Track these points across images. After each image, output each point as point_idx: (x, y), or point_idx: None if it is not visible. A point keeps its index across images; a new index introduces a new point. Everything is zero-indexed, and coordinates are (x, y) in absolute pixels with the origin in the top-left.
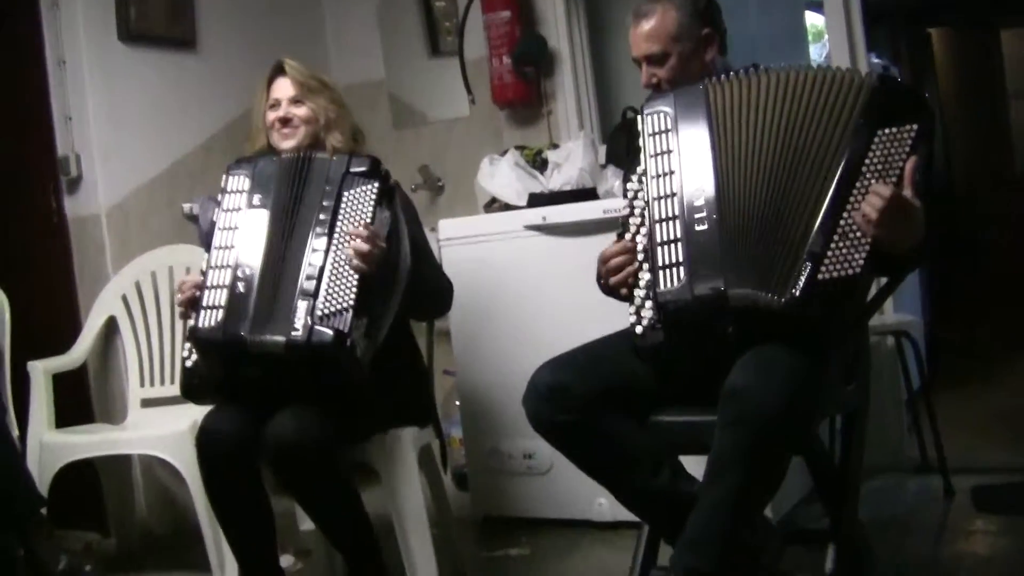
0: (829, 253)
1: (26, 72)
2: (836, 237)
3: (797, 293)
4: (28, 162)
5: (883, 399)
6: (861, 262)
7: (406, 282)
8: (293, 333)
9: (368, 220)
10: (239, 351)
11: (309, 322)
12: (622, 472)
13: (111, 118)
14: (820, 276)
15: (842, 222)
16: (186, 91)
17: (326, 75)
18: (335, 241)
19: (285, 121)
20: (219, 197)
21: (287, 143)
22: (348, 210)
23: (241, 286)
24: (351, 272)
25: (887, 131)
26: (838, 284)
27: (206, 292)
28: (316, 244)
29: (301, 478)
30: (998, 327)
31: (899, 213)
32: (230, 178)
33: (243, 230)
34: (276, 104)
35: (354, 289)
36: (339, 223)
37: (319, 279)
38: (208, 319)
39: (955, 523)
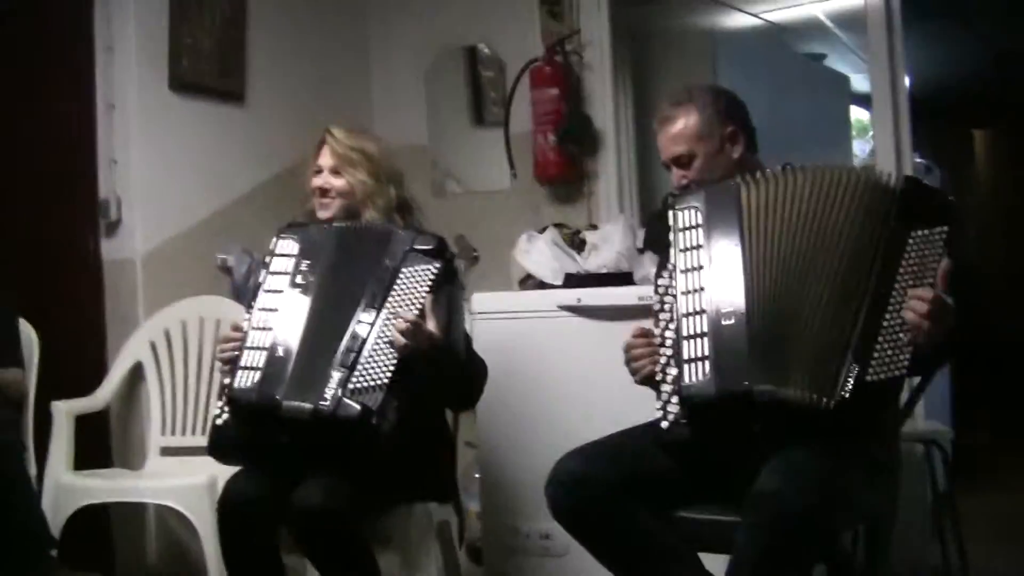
0: (875, 355)
1: (75, 113)
2: (880, 339)
3: (847, 396)
4: (69, 202)
5: (908, 506)
6: (906, 362)
7: (450, 372)
8: (321, 403)
9: (422, 300)
10: (272, 414)
11: (340, 394)
12: (640, 565)
13: (155, 164)
14: (869, 378)
15: (885, 323)
16: (230, 144)
17: (373, 141)
18: (383, 316)
19: (324, 191)
20: (266, 259)
21: (323, 213)
22: (403, 287)
23: (280, 350)
24: (392, 350)
25: (920, 233)
26: (886, 385)
27: (245, 352)
28: (363, 316)
29: (325, 547)
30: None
31: (939, 315)
32: (280, 242)
33: (288, 295)
34: (319, 171)
35: (391, 367)
36: (391, 299)
37: (359, 352)
38: (245, 380)
39: None
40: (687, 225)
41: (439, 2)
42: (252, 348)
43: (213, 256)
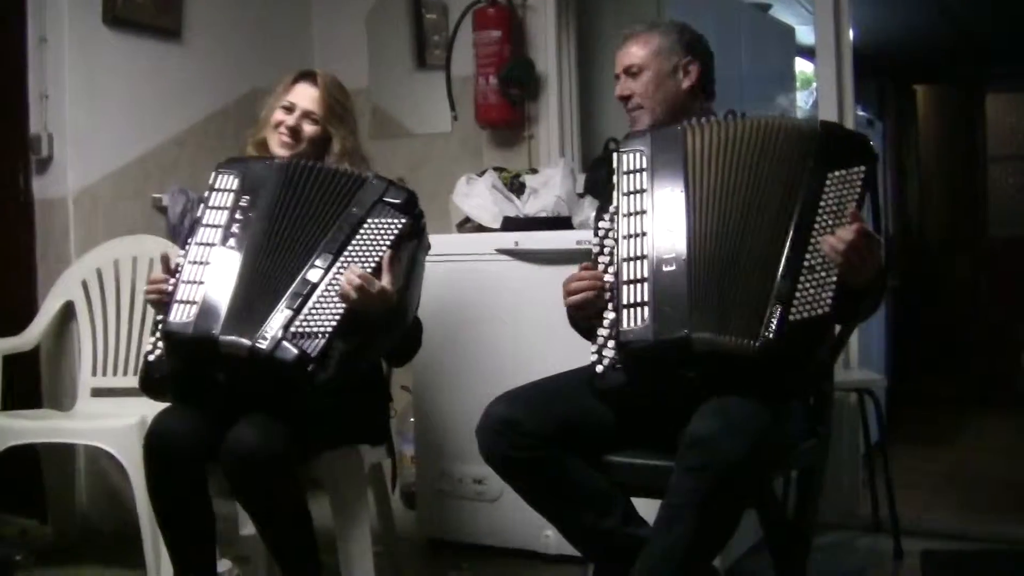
0: (797, 294)
1: (6, 46)
2: (801, 278)
3: (771, 336)
4: None
5: (840, 455)
6: (830, 301)
7: (401, 332)
8: (260, 342)
9: (381, 254)
10: (209, 350)
11: (279, 335)
12: (571, 510)
13: (88, 101)
14: (792, 317)
15: (806, 263)
16: (167, 81)
17: (350, 100)
18: (338, 264)
19: (294, 132)
20: (205, 194)
21: (283, 151)
22: (365, 238)
23: (218, 285)
24: (340, 301)
25: (836, 174)
26: (809, 324)
27: (181, 287)
28: (318, 261)
29: (257, 487)
30: (962, 385)
31: (865, 248)
32: (219, 176)
33: (228, 230)
34: (290, 108)
35: (337, 316)
36: (350, 247)
37: (307, 297)
38: (181, 314)
39: None
40: (631, 169)
41: None
42: (189, 282)
43: (148, 196)
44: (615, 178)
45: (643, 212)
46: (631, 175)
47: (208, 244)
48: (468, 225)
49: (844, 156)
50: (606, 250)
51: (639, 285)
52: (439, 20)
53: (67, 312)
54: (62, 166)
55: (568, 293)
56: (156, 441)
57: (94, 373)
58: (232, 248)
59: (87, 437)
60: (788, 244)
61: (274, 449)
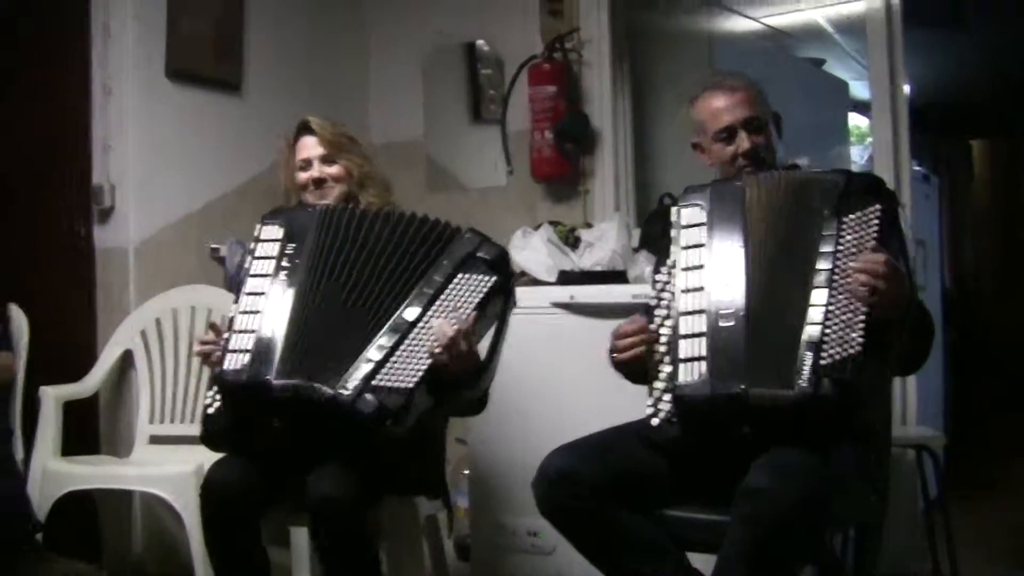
0: (825, 338)
1: (71, 96)
2: (828, 321)
3: (804, 383)
4: (63, 187)
5: (899, 511)
6: (860, 339)
7: (483, 390)
8: (342, 391)
9: (471, 311)
10: (263, 396)
11: (361, 387)
12: (626, 562)
13: (150, 152)
14: (822, 361)
15: (830, 307)
16: (227, 133)
17: (349, 130)
18: (428, 317)
19: (319, 182)
20: (251, 245)
21: (323, 204)
22: (455, 293)
23: (269, 332)
24: (426, 355)
25: (852, 216)
26: (843, 365)
27: (233, 337)
28: (407, 314)
29: (336, 533)
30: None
31: (888, 276)
32: (264, 227)
33: (276, 279)
34: (306, 164)
35: (421, 372)
36: (439, 302)
37: (392, 349)
38: (234, 362)
39: None
40: (690, 223)
41: None
42: (241, 332)
43: (206, 246)
44: (673, 231)
45: (701, 266)
46: (689, 229)
47: (258, 294)
48: (524, 279)
49: (859, 198)
50: (663, 303)
51: (697, 340)
52: (494, 75)
53: (126, 360)
54: (123, 216)
55: (618, 349)
56: (211, 491)
57: (151, 420)
58: (281, 296)
59: (143, 484)
60: (813, 291)
61: (351, 493)
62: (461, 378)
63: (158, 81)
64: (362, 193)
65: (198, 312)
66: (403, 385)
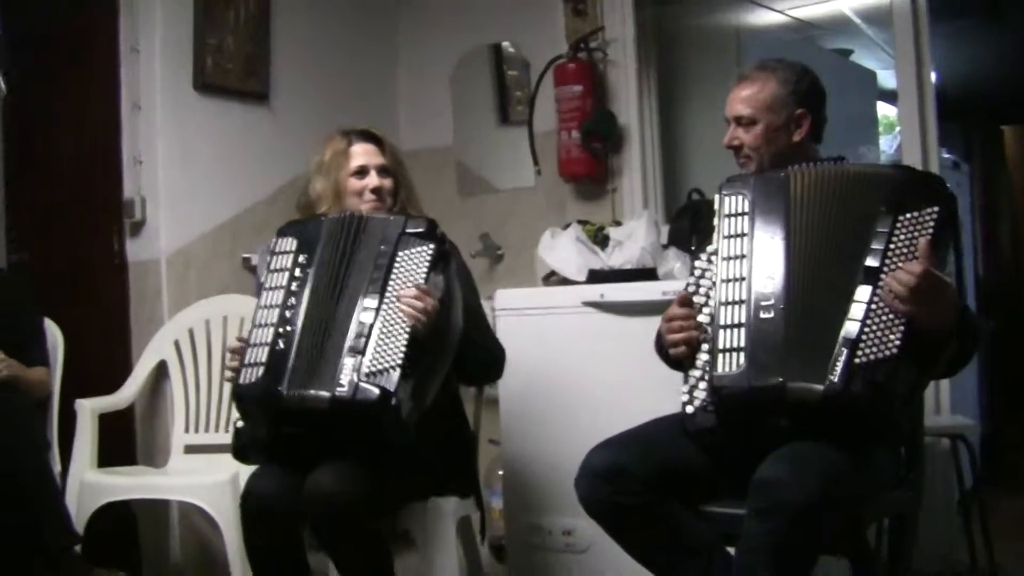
0: (864, 337)
1: (100, 112)
2: (868, 320)
3: (836, 379)
4: (94, 202)
5: (935, 502)
6: (898, 343)
7: (456, 347)
8: (339, 389)
9: (421, 281)
10: (277, 407)
11: (355, 379)
12: (677, 560)
13: (180, 165)
14: (857, 360)
15: (873, 305)
16: (255, 144)
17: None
18: (386, 300)
19: (377, 191)
20: (267, 258)
21: (377, 215)
22: (401, 270)
23: (282, 343)
24: (401, 332)
25: (908, 216)
26: (877, 366)
27: (248, 350)
28: (367, 303)
29: (335, 532)
30: None
31: (930, 289)
32: (278, 240)
33: (290, 290)
34: (363, 171)
35: (403, 349)
36: (391, 283)
37: (368, 337)
38: (249, 376)
39: None
40: (733, 212)
41: (464, 1)
42: (255, 345)
43: (237, 256)
44: (716, 220)
45: (743, 256)
46: (733, 218)
47: (271, 307)
48: (553, 278)
49: (917, 199)
50: (702, 290)
51: (736, 330)
52: (521, 76)
53: (160, 371)
54: (155, 229)
55: (671, 344)
56: (251, 502)
57: (187, 430)
58: (293, 305)
59: (180, 493)
60: (857, 288)
61: (349, 490)
62: (431, 341)
63: (186, 94)
64: (410, 209)
65: (231, 321)
66: (390, 364)
